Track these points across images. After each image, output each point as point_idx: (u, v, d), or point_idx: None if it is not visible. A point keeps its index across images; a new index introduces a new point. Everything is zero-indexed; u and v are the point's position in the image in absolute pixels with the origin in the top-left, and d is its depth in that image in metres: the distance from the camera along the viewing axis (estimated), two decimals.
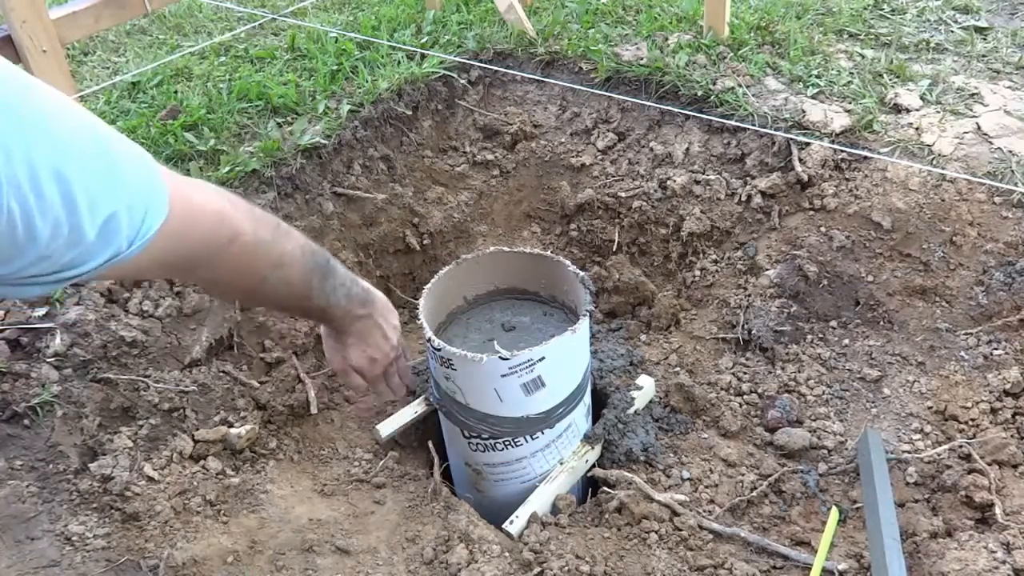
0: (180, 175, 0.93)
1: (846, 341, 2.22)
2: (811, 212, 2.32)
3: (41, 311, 1.81)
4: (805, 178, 2.32)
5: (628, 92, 2.67)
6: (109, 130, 0.80)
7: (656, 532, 1.78)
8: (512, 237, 2.77)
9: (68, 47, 2.74)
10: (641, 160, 2.64)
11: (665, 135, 2.63)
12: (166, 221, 0.85)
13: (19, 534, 1.48)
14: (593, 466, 2.00)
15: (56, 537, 1.51)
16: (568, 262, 1.99)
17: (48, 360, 1.74)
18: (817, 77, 2.56)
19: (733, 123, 2.43)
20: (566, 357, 1.83)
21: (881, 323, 2.21)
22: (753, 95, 2.50)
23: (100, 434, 1.72)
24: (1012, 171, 2.14)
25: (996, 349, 2.04)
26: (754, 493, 1.90)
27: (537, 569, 1.67)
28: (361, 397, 1.71)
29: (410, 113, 2.71)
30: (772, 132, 2.37)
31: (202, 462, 1.80)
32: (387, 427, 2.05)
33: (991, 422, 1.92)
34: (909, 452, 1.93)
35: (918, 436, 1.98)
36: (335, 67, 2.79)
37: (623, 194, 2.62)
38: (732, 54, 2.70)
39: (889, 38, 2.83)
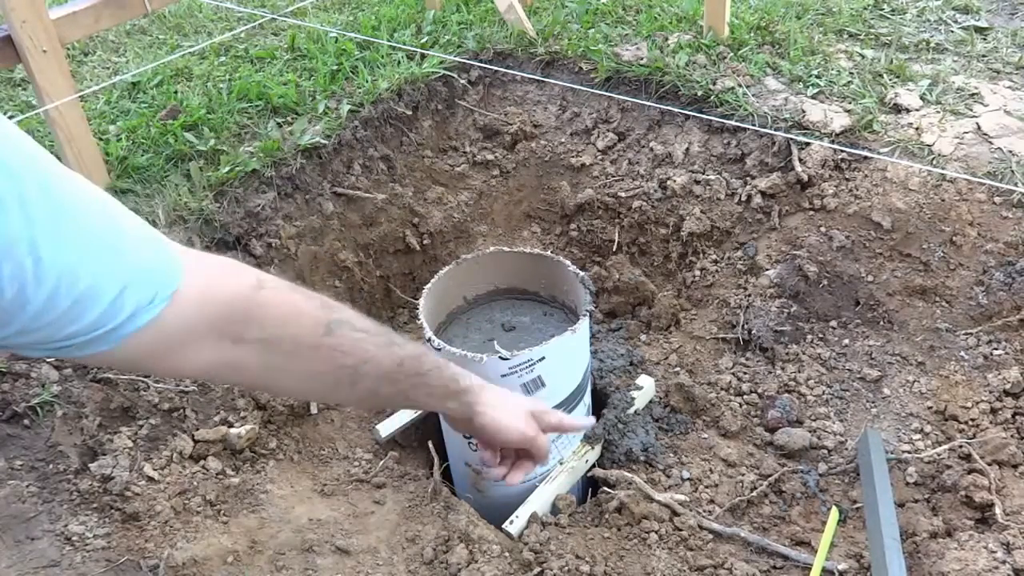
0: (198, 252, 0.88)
1: (846, 341, 2.22)
2: (811, 212, 2.32)
3: None
4: (805, 178, 2.32)
5: (628, 92, 2.67)
6: (116, 205, 0.76)
7: (656, 532, 1.78)
8: (512, 237, 2.77)
9: (68, 47, 2.74)
10: (641, 160, 2.64)
11: (665, 135, 2.63)
12: (185, 288, 0.79)
13: (19, 534, 1.48)
14: (593, 466, 2.00)
15: (56, 537, 1.51)
16: (568, 262, 1.99)
17: (48, 360, 1.74)
18: (817, 77, 2.56)
19: (733, 123, 2.43)
20: (566, 357, 1.83)
21: (881, 323, 2.21)
22: (753, 95, 2.50)
23: (100, 434, 1.72)
24: (1012, 171, 2.14)
25: (996, 349, 2.04)
26: (754, 493, 1.90)
27: (537, 569, 1.67)
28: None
29: (410, 113, 2.71)
30: (772, 132, 2.37)
31: (202, 462, 1.80)
32: (387, 427, 2.05)
33: (991, 422, 1.92)
34: (909, 452, 1.93)
35: (918, 436, 1.98)
36: (335, 67, 2.79)
37: (623, 194, 2.62)
38: (732, 54, 2.70)
39: (889, 38, 2.83)
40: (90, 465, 1.65)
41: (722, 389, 2.18)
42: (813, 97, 2.49)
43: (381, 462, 1.95)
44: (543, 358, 1.75)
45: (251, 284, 0.90)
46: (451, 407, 1.21)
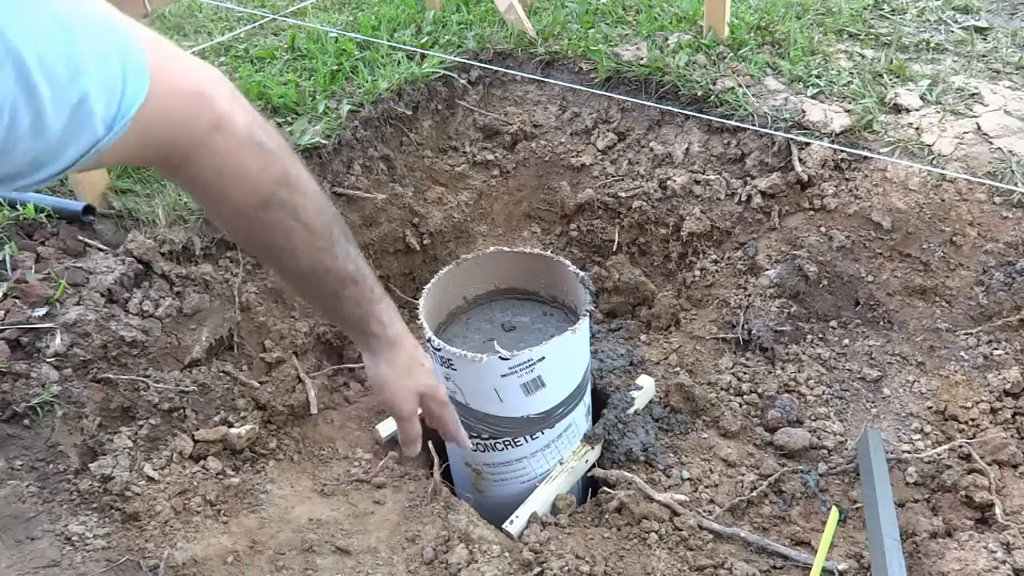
0: (165, 41, 0.81)
1: (846, 341, 2.22)
2: (811, 212, 2.32)
3: (41, 311, 1.81)
4: (805, 178, 2.32)
5: (628, 92, 2.67)
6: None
7: (656, 532, 1.78)
8: (512, 237, 2.77)
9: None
10: (641, 160, 2.64)
11: (665, 135, 2.63)
12: (145, 101, 0.74)
13: (19, 534, 1.48)
14: (593, 466, 2.00)
15: (56, 537, 1.51)
16: (568, 262, 1.99)
17: (48, 360, 1.74)
18: (817, 77, 2.56)
19: (733, 123, 2.43)
20: (566, 357, 1.83)
21: (881, 323, 2.21)
22: (753, 95, 2.50)
23: (100, 434, 1.72)
24: (1012, 171, 2.14)
25: (996, 349, 2.04)
26: (754, 493, 1.90)
27: (537, 569, 1.67)
28: (412, 448, 1.33)
29: (410, 113, 2.71)
30: (772, 132, 2.37)
31: (202, 462, 1.80)
32: (387, 427, 2.05)
33: (991, 422, 1.92)
34: (909, 452, 1.93)
35: (918, 436, 1.98)
36: (335, 67, 2.79)
37: (623, 194, 2.62)
38: (732, 54, 2.70)
39: (889, 38, 2.83)
40: (90, 465, 1.65)
41: (722, 389, 2.18)
42: (813, 97, 2.49)
43: (381, 462, 1.95)
44: (543, 358, 1.75)
45: (209, 124, 0.85)
46: (356, 341, 1.18)
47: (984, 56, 2.70)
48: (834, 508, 1.85)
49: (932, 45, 2.78)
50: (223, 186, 0.90)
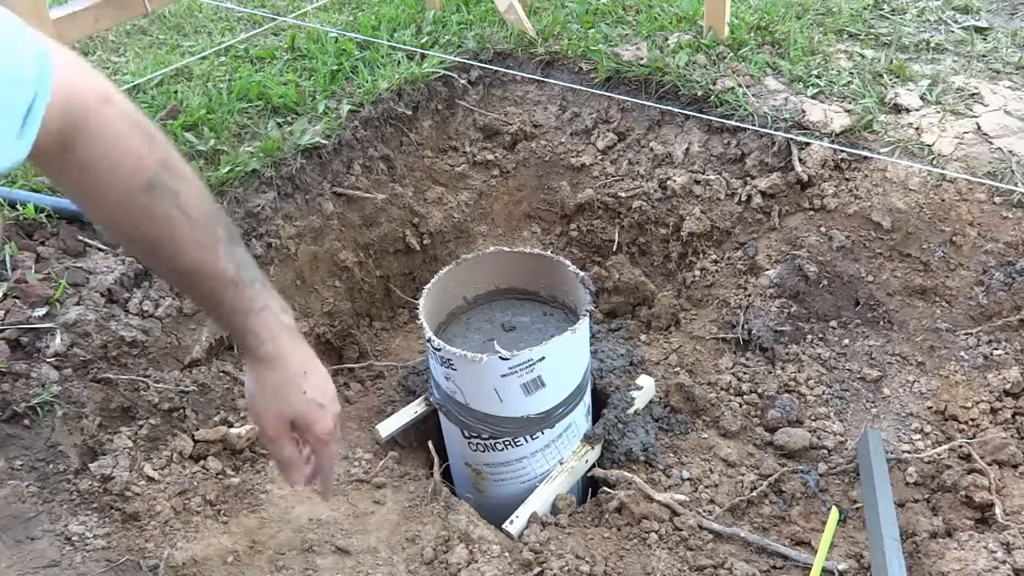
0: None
1: (846, 341, 2.22)
2: (811, 212, 2.32)
3: (41, 311, 1.81)
4: (805, 178, 2.32)
5: (628, 92, 2.67)
6: None
7: (656, 532, 1.78)
8: (512, 237, 2.77)
9: (68, 47, 2.74)
10: (641, 160, 2.64)
11: (665, 135, 2.63)
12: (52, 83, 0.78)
13: (19, 534, 1.48)
14: (593, 466, 2.00)
15: (56, 537, 1.51)
16: (568, 262, 1.99)
17: (48, 360, 1.74)
18: (817, 77, 2.56)
19: (733, 123, 2.43)
20: (566, 357, 1.83)
21: (881, 323, 2.21)
22: (753, 95, 2.50)
23: (100, 434, 1.72)
24: (1012, 171, 2.14)
25: (996, 349, 2.04)
26: (754, 493, 1.90)
27: (537, 569, 1.67)
28: (291, 474, 1.15)
29: (410, 113, 2.71)
30: (772, 132, 2.37)
31: (202, 462, 1.80)
32: (387, 427, 2.05)
33: (991, 422, 1.92)
34: (909, 452, 1.93)
35: (918, 436, 1.98)
36: (335, 67, 2.79)
37: (623, 194, 2.62)
38: (732, 54, 2.70)
39: (889, 38, 2.83)
40: (90, 465, 1.65)
41: (722, 389, 2.18)
42: (813, 97, 2.49)
43: (381, 462, 1.95)
44: (543, 358, 1.75)
45: (99, 96, 0.86)
46: (241, 350, 1.09)
47: (984, 56, 2.70)
48: (834, 508, 1.85)
49: (932, 45, 2.78)
50: (113, 166, 0.88)
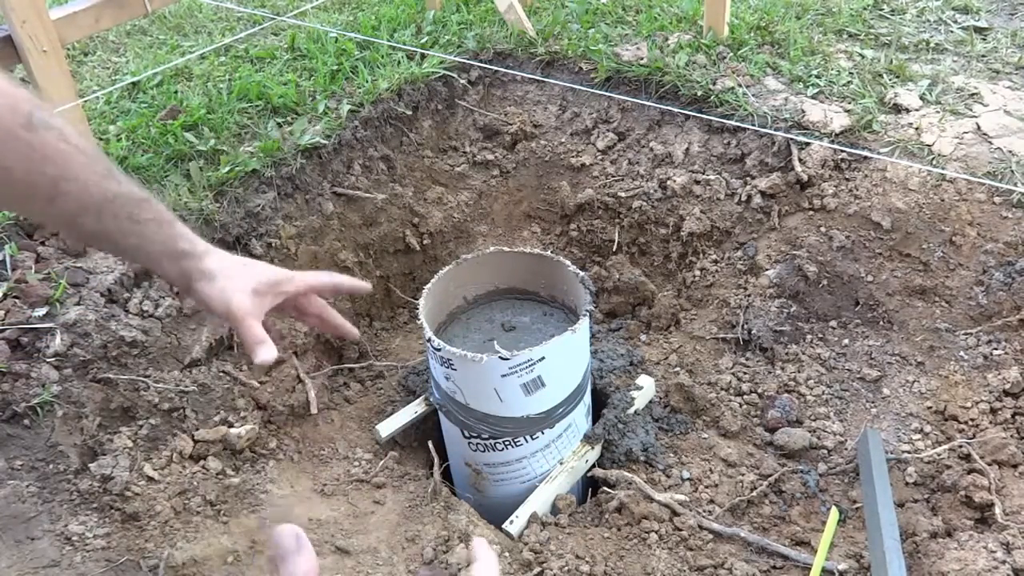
0: None
1: (846, 341, 2.22)
2: (811, 212, 2.32)
3: (41, 311, 1.81)
4: (805, 178, 2.32)
5: (628, 92, 2.67)
6: None
7: (656, 532, 1.78)
8: (512, 237, 2.77)
9: (68, 47, 2.74)
10: (641, 160, 2.64)
11: (665, 135, 2.63)
12: None
13: (19, 534, 1.48)
14: (593, 466, 2.00)
15: (56, 537, 1.51)
16: (568, 262, 1.99)
17: (48, 360, 1.74)
18: (817, 77, 2.56)
19: (733, 123, 2.43)
20: (566, 357, 1.83)
21: (881, 323, 2.21)
22: (753, 95, 2.50)
23: (100, 434, 1.72)
24: (1012, 171, 2.14)
25: (996, 349, 2.04)
26: (754, 493, 1.90)
27: (537, 569, 1.67)
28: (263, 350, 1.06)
29: (410, 113, 2.71)
30: (772, 132, 2.37)
31: (202, 462, 1.80)
32: (387, 427, 2.05)
33: (991, 422, 1.92)
34: (909, 452, 1.93)
35: (918, 436, 1.98)
36: (335, 67, 2.79)
37: (623, 194, 2.62)
38: (732, 54, 2.70)
39: (889, 38, 2.83)
40: (90, 465, 1.65)
41: (722, 389, 2.18)
42: (813, 97, 2.49)
43: (381, 462, 1.95)
44: (543, 358, 1.75)
45: None
46: (167, 268, 1.01)
47: (984, 56, 2.70)
48: (834, 508, 1.85)
49: (932, 45, 2.78)
50: None
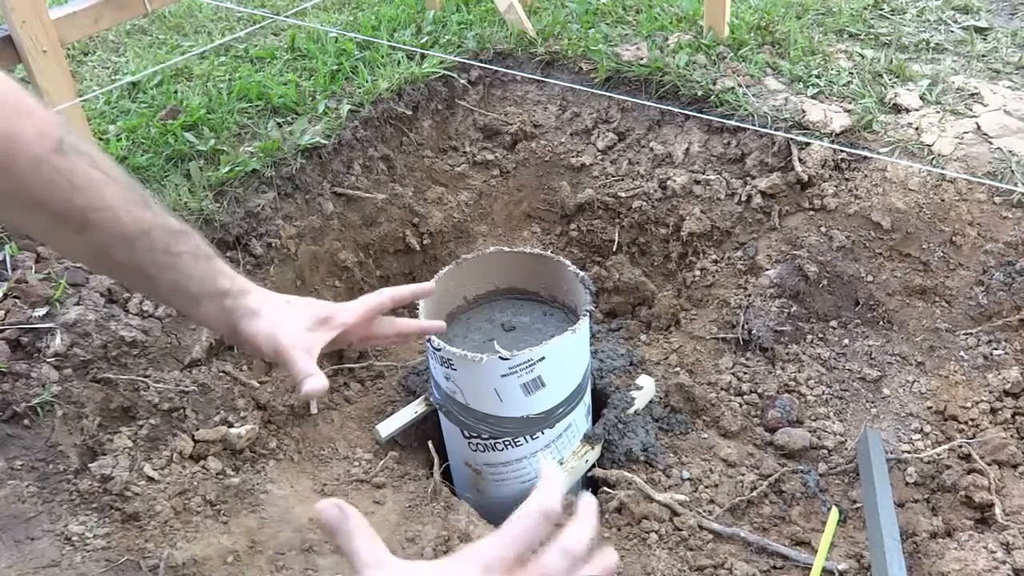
0: None
1: (846, 341, 2.22)
2: (811, 212, 2.32)
3: (41, 311, 1.81)
4: (805, 178, 2.32)
5: (628, 92, 2.66)
6: None
7: (656, 532, 1.78)
8: (512, 237, 2.77)
9: (68, 47, 2.74)
10: (641, 160, 2.64)
11: (665, 135, 2.63)
12: None
13: (19, 534, 1.48)
14: (593, 466, 2.00)
15: (56, 537, 1.51)
16: (568, 262, 1.99)
17: (48, 360, 1.74)
18: (817, 77, 2.56)
19: (733, 123, 2.43)
20: (566, 357, 1.83)
21: (881, 323, 2.21)
22: (753, 95, 2.50)
23: (100, 434, 1.72)
24: (1012, 171, 2.14)
25: (996, 349, 2.04)
26: (754, 493, 1.90)
27: None
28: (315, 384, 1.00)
29: (410, 113, 2.71)
30: (772, 132, 2.37)
31: (202, 462, 1.80)
32: (387, 427, 2.05)
33: (991, 422, 1.92)
34: (909, 452, 1.93)
35: (918, 436, 1.98)
36: (335, 67, 2.79)
37: (623, 194, 2.62)
38: (732, 54, 2.70)
39: (889, 38, 2.83)
40: (90, 465, 1.65)
41: (722, 389, 2.18)
42: (813, 97, 2.49)
43: (381, 462, 1.95)
44: (543, 358, 1.75)
45: None
46: (206, 308, 0.93)
47: (984, 56, 2.70)
48: (834, 508, 1.85)
49: (932, 45, 2.78)
50: (15, 128, 0.76)
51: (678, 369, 2.25)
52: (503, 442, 1.88)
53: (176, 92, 2.69)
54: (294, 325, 0.98)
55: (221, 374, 2.01)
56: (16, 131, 0.76)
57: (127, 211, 0.84)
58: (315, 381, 0.96)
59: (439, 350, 1.78)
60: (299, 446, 1.99)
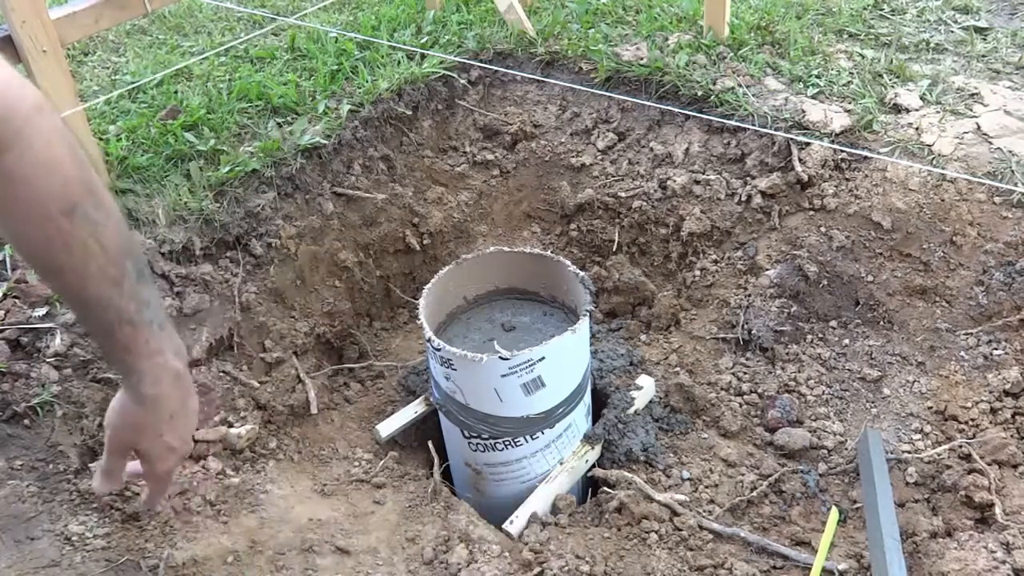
0: None
1: (846, 341, 2.22)
2: (811, 212, 2.32)
3: (41, 311, 1.81)
4: (805, 178, 2.32)
5: (628, 92, 2.66)
6: None
7: (656, 532, 1.78)
8: (512, 237, 2.77)
9: (68, 47, 2.74)
10: (641, 160, 2.64)
11: (665, 135, 2.63)
12: None
13: (19, 534, 1.48)
14: (593, 466, 2.00)
15: (56, 537, 1.50)
16: (568, 262, 1.99)
17: (48, 360, 1.74)
18: (817, 77, 2.56)
19: (733, 123, 2.43)
20: (566, 357, 1.83)
21: (881, 323, 2.21)
22: (753, 95, 2.50)
23: (100, 434, 1.72)
24: (1012, 171, 2.14)
25: (996, 349, 2.04)
26: (754, 493, 1.90)
27: (537, 569, 1.67)
28: (105, 483, 1.12)
29: (410, 113, 2.71)
30: (772, 132, 2.37)
31: (202, 462, 1.80)
32: (387, 427, 2.05)
33: (991, 422, 1.92)
34: (909, 452, 1.93)
35: (918, 436, 1.98)
36: (335, 67, 2.79)
37: (623, 194, 2.62)
38: (732, 54, 2.70)
39: (889, 38, 2.83)
40: (90, 465, 1.65)
41: (722, 389, 2.18)
42: (813, 97, 2.49)
43: (381, 462, 1.95)
44: (543, 358, 1.75)
45: (34, 104, 0.82)
46: (121, 375, 1.04)
47: (984, 56, 2.70)
48: (834, 508, 1.85)
49: (932, 45, 2.78)
50: (39, 182, 0.84)
51: (678, 369, 2.25)
52: (503, 442, 1.88)
53: (176, 92, 2.69)
54: (117, 414, 1.07)
55: (221, 374, 2.01)
56: (44, 188, 0.84)
57: (96, 283, 0.92)
58: (98, 479, 1.09)
59: (439, 350, 1.78)
60: (299, 446, 1.99)
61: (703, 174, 2.51)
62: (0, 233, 1.01)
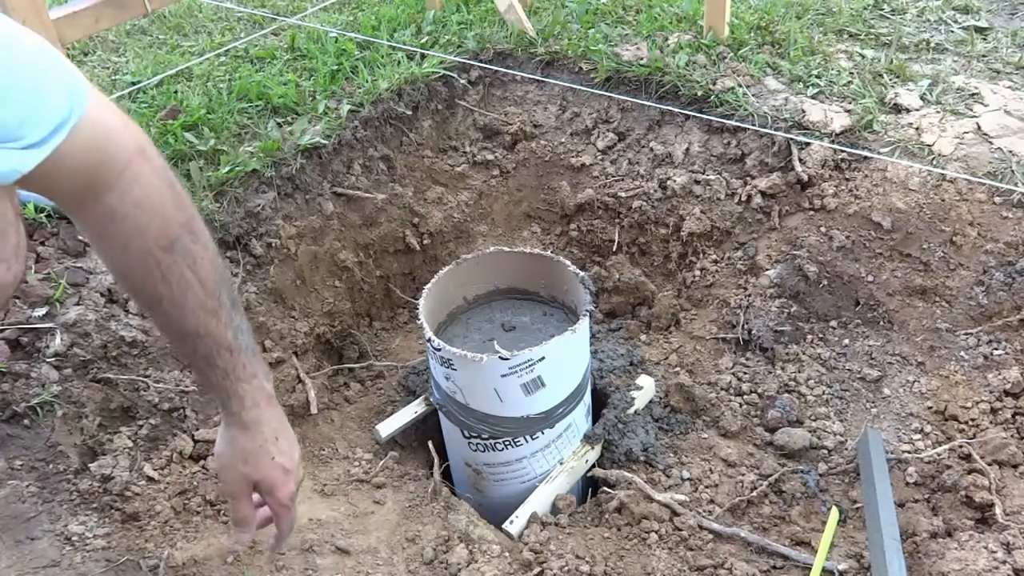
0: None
1: (846, 341, 2.22)
2: (811, 212, 2.32)
3: (41, 311, 1.81)
4: (805, 178, 2.32)
5: (628, 92, 2.66)
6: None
7: (656, 532, 1.78)
8: (512, 237, 2.77)
9: (68, 47, 2.74)
10: (641, 160, 2.64)
11: (665, 135, 2.63)
12: (85, 114, 0.80)
13: (19, 534, 1.48)
14: (593, 466, 2.00)
15: (56, 537, 1.50)
16: (568, 262, 1.99)
17: (48, 360, 1.74)
18: (817, 77, 2.56)
19: (733, 123, 2.43)
20: (566, 357, 1.83)
21: (881, 323, 2.21)
22: (753, 95, 2.50)
23: (100, 434, 1.72)
24: (1012, 171, 2.14)
25: (996, 349, 2.04)
26: (754, 493, 1.90)
27: (537, 569, 1.67)
28: (241, 532, 1.19)
29: (410, 113, 2.71)
30: (772, 132, 2.37)
31: (202, 462, 1.80)
32: (387, 427, 2.05)
33: (991, 422, 1.92)
34: (909, 452, 1.93)
35: (918, 436, 1.98)
36: (335, 67, 2.79)
37: (623, 194, 2.62)
38: (732, 54, 2.70)
39: (889, 38, 2.83)
40: (90, 465, 1.65)
41: (722, 389, 2.18)
42: (813, 97, 2.49)
43: (381, 462, 1.95)
44: (543, 358, 1.75)
45: (136, 147, 0.88)
46: (221, 408, 1.14)
47: (984, 56, 2.70)
48: (834, 508, 1.85)
49: (932, 45, 2.78)
50: (139, 220, 0.91)
51: (678, 369, 2.25)
52: (503, 442, 1.88)
53: (176, 92, 2.69)
54: (229, 467, 1.14)
55: None
56: (143, 225, 0.91)
57: (194, 314, 0.99)
58: (233, 534, 1.17)
59: (439, 350, 1.78)
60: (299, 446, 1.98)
61: (703, 174, 2.51)
62: (105, 266, 1.11)
